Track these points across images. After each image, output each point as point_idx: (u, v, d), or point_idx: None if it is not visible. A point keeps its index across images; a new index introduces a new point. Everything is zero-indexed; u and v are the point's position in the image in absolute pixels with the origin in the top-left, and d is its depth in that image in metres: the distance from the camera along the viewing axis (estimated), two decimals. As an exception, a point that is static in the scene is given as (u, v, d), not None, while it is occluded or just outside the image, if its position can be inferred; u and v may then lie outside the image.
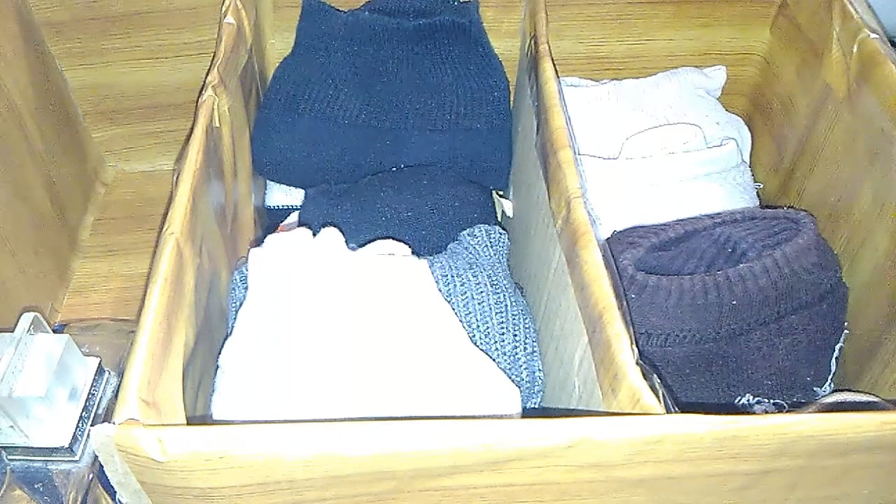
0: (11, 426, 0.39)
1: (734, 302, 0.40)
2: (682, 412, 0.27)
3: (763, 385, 0.42)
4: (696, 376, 0.41)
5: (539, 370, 0.42)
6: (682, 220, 0.45)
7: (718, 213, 0.45)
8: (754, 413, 0.38)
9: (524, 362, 0.42)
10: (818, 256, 0.42)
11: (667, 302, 0.40)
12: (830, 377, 0.45)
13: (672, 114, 0.55)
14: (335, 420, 0.25)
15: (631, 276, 0.40)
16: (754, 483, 0.29)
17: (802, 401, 0.44)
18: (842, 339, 0.45)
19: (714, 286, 0.40)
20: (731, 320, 0.40)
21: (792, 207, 0.49)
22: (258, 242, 0.45)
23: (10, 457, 0.40)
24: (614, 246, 0.43)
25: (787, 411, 0.42)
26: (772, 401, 0.43)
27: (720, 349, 0.41)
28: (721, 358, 0.41)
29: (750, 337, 0.41)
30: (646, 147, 0.52)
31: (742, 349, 0.41)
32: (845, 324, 0.45)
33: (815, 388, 0.44)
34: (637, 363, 0.30)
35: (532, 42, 0.49)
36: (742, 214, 0.44)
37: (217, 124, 0.45)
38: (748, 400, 0.42)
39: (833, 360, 0.45)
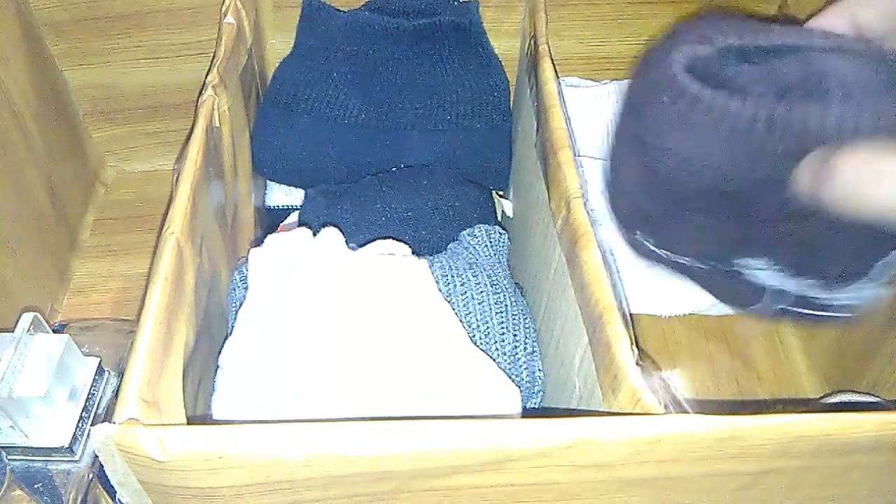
0: (11, 426, 0.39)
1: (780, 148, 0.30)
2: (684, 413, 0.27)
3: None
4: (712, 212, 0.34)
5: (539, 370, 0.42)
6: (787, 31, 0.34)
7: (838, 35, 0.33)
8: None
9: (524, 362, 0.42)
10: None
11: (702, 120, 0.31)
12: None
13: None
14: (335, 420, 0.25)
15: (672, 76, 0.31)
16: (754, 483, 0.29)
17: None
18: None
19: (766, 120, 0.30)
20: (770, 165, 0.31)
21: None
22: (258, 242, 0.45)
23: (10, 457, 0.40)
24: (687, 34, 0.33)
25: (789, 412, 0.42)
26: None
27: (748, 194, 0.32)
28: (747, 205, 0.32)
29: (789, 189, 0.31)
30: None
31: (776, 200, 0.32)
32: None
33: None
34: (637, 363, 0.30)
35: (532, 42, 0.49)
36: (864, 48, 0.32)
37: (217, 124, 0.45)
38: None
39: None
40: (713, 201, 0.33)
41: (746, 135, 0.30)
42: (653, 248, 0.37)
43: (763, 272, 0.35)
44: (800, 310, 0.36)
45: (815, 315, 0.36)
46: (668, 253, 0.36)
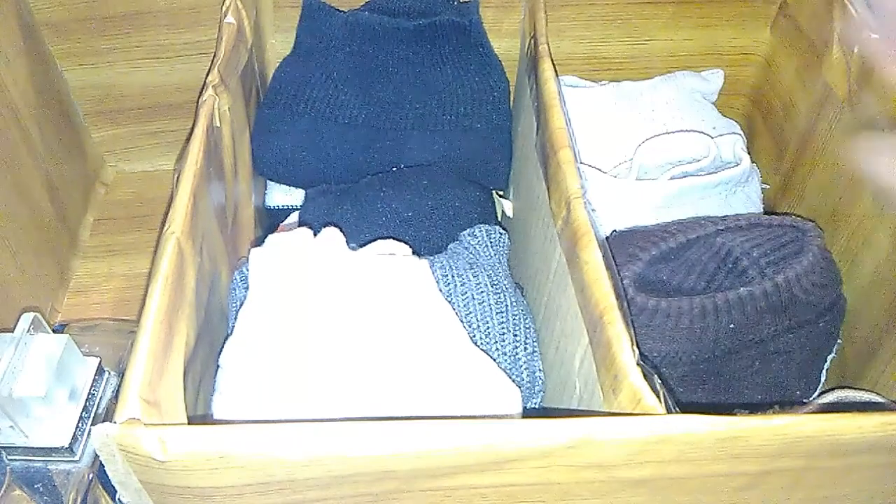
0: (11, 426, 0.39)
1: (732, 325, 0.40)
2: (684, 412, 0.27)
3: (754, 399, 0.42)
4: (688, 395, 0.41)
5: (539, 370, 0.42)
6: (684, 225, 0.44)
7: (723, 219, 0.44)
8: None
9: (525, 362, 0.42)
10: (821, 276, 0.41)
11: (665, 325, 0.39)
12: (819, 387, 0.45)
13: (670, 118, 0.55)
14: (335, 420, 0.25)
15: (630, 298, 0.40)
16: (755, 483, 0.29)
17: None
18: (834, 350, 0.45)
19: (713, 310, 0.39)
20: (727, 341, 0.40)
21: (798, 216, 0.47)
22: (258, 242, 0.45)
23: (10, 457, 0.40)
24: (616, 254, 0.42)
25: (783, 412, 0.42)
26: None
27: (714, 368, 0.41)
28: (714, 376, 0.41)
29: (744, 355, 0.41)
30: (656, 158, 0.50)
31: (735, 367, 0.41)
32: (839, 334, 0.45)
33: (804, 400, 0.44)
34: (638, 364, 0.30)
35: (532, 42, 0.49)
36: (747, 221, 0.43)
37: (217, 124, 0.45)
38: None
39: (823, 371, 0.45)
40: (691, 381, 0.41)
41: (703, 324, 0.39)
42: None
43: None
44: None
45: None
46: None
